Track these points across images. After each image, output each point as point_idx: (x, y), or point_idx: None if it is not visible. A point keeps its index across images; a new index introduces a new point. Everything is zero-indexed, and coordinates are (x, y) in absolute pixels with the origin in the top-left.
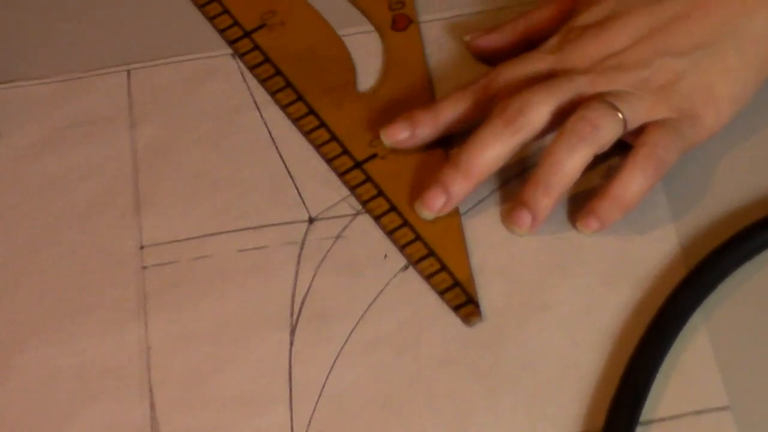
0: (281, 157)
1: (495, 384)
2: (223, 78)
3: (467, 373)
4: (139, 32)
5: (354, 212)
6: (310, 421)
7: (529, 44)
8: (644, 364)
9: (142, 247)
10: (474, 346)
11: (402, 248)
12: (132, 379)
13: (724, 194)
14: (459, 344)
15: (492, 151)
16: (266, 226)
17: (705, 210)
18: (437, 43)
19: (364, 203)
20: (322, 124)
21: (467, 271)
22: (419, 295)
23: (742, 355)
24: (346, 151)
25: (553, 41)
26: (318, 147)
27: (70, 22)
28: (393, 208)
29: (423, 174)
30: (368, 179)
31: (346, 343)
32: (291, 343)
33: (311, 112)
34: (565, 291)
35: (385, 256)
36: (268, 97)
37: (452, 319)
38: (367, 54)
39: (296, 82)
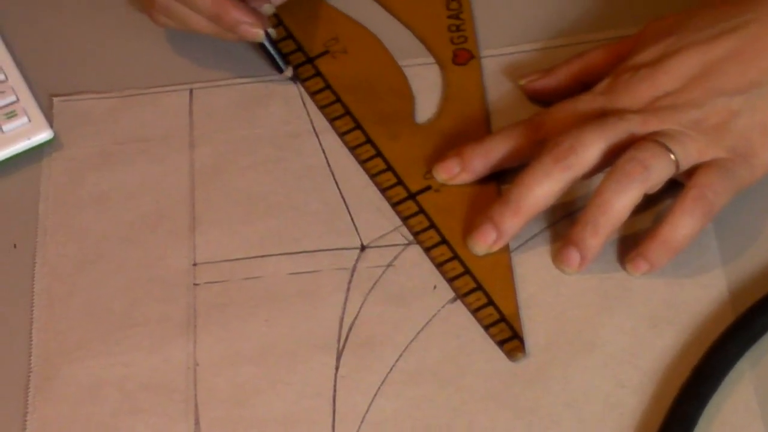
0: (336, 184)
1: (536, 421)
2: (283, 102)
3: (509, 409)
4: (203, 52)
5: (406, 242)
6: None
7: (583, 86)
8: (687, 409)
9: (194, 265)
10: (517, 382)
11: (450, 281)
12: (178, 394)
13: None
14: (502, 379)
15: (542, 188)
16: (318, 251)
17: (755, 255)
18: (496, 79)
19: (415, 234)
20: (378, 154)
21: (514, 307)
22: (465, 328)
23: None
24: (400, 182)
25: (605, 82)
26: (373, 176)
27: (135, 38)
28: (444, 241)
29: (475, 208)
30: (421, 211)
31: (390, 371)
32: (336, 369)
33: (368, 141)
34: (611, 331)
35: (435, 287)
36: (327, 124)
37: (497, 354)
38: (426, 86)
39: (355, 110)
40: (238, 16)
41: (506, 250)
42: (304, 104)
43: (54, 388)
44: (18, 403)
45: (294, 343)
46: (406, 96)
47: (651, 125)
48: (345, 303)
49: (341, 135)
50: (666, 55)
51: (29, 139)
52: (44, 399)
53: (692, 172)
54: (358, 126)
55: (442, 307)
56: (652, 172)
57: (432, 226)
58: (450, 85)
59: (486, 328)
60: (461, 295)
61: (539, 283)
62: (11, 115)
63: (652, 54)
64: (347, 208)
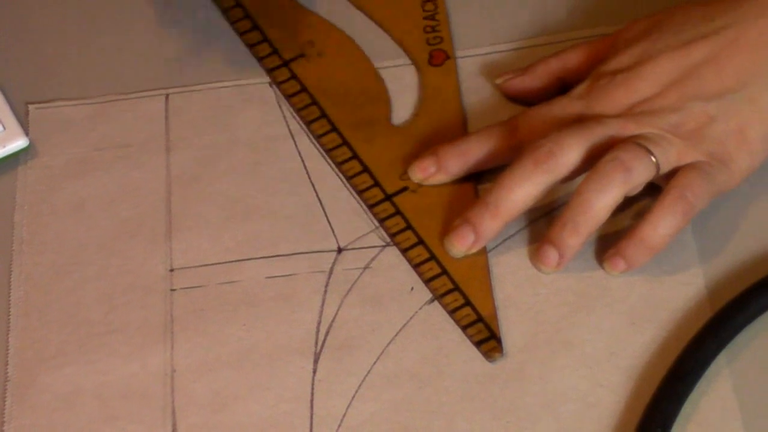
0: (314, 186)
1: (515, 421)
2: (259, 106)
3: (488, 410)
4: (178, 57)
5: (383, 244)
6: None
7: (561, 85)
8: (665, 407)
9: (171, 270)
10: (495, 382)
11: (427, 282)
12: (155, 401)
13: (752, 238)
14: (480, 380)
15: (521, 190)
16: (295, 254)
17: (732, 254)
18: (473, 80)
19: (392, 236)
20: (355, 156)
21: (491, 308)
22: (443, 330)
23: (765, 400)
24: (377, 184)
25: (582, 87)
26: (349, 178)
27: (111, 44)
28: (420, 242)
29: (453, 209)
30: (397, 212)
31: (368, 374)
32: (314, 372)
33: (344, 143)
34: (589, 330)
35: (412, 288)
36: (303, 127)
37: (475, 355)
38: (403, 88)
39: (331, 113)
40: None
41: (483, 251)
42: (280, 108)
43: (31, 397)
44: None
45: (271, 347)
46: (382, 98)
47: (629, 129)
48: (322, 306)
49: (317, 137)
50: (642, 59)
51: (4, 147)
52: (21, 407)
53: (671, 174)
54: (334, 129)
55: (420, 308)
56: (633, 173)
57: (408, 227)
58: (426, 86)
59: (463, 328)
60: (438, 296)
61: (517, 283)
62: None
63: (629, 58)
64: (324, 210)
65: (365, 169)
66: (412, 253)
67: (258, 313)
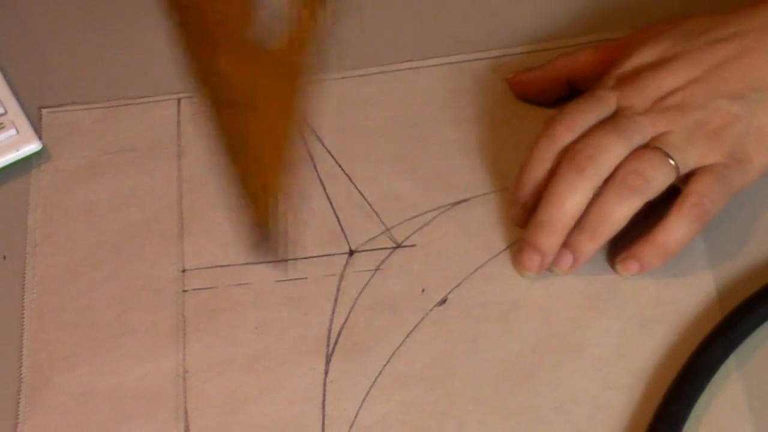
0: (324, 190)
1: (525, 423)
2: None
3: (498, 411)
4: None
5: (393, 245)
6: None
7: (568, 86)
8: (675, 409)
9: (183, 271)
10: (506, 384)
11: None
12: (168, 402)
13: (762, 242)
14: (491, 382)
15: (570, 201)
16: (307, 258)
17: (742, 257)
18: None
19: None
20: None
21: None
22: (454, 331)
23: None
24: None
25: (608, 83)
26: None
27: (123, 49)
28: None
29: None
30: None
31: (379, 375)
32: (326, 374)
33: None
34: (599, 332)
35: (423, 290)
36: (314, 132)
37: (486, 356)
38: None
39: None
40: None
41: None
42: None
43: (45, 397)
44: (10, 412)
45: (283, 348)
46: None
47: (660, 127)
48: (334, 308)
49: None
50: (668, 56)
51: (18, 150)
52: (35, 408)
53: (689, 175)
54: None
55: (431, 309)
56: (652, 183)
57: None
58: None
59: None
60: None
61: (529, 285)
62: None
63: (651, 57)
64: (335, 213)
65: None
66: None
67: (269, 315)
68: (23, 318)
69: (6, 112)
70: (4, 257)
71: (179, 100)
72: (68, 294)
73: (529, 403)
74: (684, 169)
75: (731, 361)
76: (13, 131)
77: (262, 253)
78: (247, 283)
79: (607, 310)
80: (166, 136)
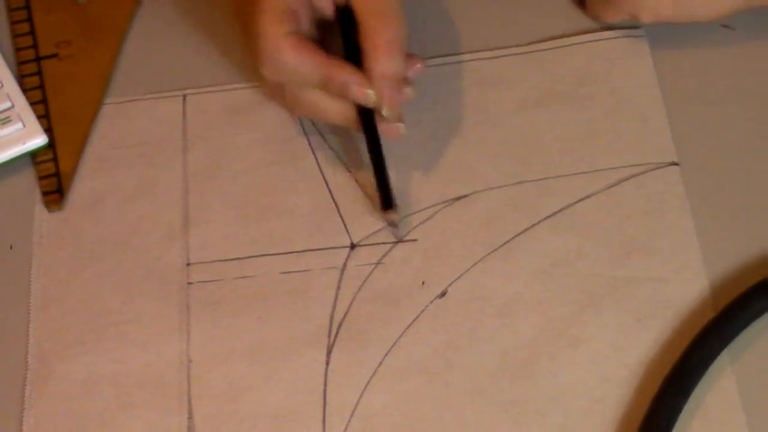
0: (327, 185)
1: (523, 414)
2: (274, 108)
3: (497, 403)
4: (195, 59)
5: (394, 240)
6: None
7: None
8: (670, 402)
9: (188, 264)
10: (505, 376)
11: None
12: (172, 390)
13: (754, 240)
14: (490, 374)
15: None
16: (309, 250)
17: (735, 254)
18: None
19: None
20: (29, 20)
21: (72, 167)
22: (453, 324)
23: (766, 392)
24: (34, 45)
25: None
26: (15, 36)
27: (129, 45)
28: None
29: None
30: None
31: (379, 366)
32: (327, 364)
33: (27, 7)
34: (596, 327)
35: (423, 283)
36: (317, 128)
37: (485, 349)
38: None
39: None
40: (345, 77)
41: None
42: None
43: (50, 385)
44: (15, 399)
45: (285, 339)
46: None
47: None
48: (335, 300)
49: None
50: None
51: (24, 144)
52: (40, 396)
53: None
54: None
55: (431, 302)
56: None
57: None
58: None
59: (40, 178)
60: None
61: (527, 279)
62: (5, 121)
63: None
64: (337, 208)
65: (30, 32)
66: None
67: (272, 306)
68: (29, 307)
69: (13, 106)
70: (11, 247)
71: (184, 96)
72: (73, 284)
73: (527, 395)
74: None
75: (725, 356)
76: (19, 125)
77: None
78: (250, 276)
79: (604, 306)
80: (172, 131)
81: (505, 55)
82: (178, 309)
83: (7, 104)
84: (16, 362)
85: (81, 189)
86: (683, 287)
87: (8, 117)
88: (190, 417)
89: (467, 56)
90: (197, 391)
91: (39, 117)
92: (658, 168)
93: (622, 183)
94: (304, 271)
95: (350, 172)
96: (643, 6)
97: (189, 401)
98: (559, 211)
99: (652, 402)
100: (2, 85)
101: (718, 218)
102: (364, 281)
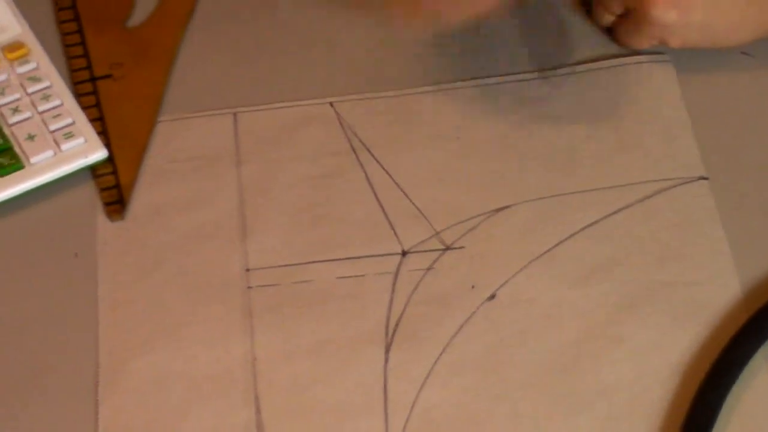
0: (376, 197)
1: (572, 406)
2: (321, 125)
3: (547, 397)
4: (244, 78)
5: (443, 248)
6: (403, 430)
7: None
8: (710, 397)
9: (247, 270)
10: (554, 372)
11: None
12: (238, 385)
13: None
14: (540, 371)
15: None
16: (363, 257)
17: (766, 260)
18: None
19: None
20: (82, 44)
21: (131, 179)
22: (503, 324)
23: None
24: (89, 66)
25: None
26: (69, 58)
27: (180, 66)
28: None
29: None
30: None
31: (436, 363)
32: (386, 361)
33: (79, 31)
34: (635, 327)
35: (473, 287)
36: (363, 144)
37: (535, 347)
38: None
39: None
40: None
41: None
42: (341, 125)
43: (122, 382)
44: (89, 395)
45: (345, 339)
46: (128, 3)
47: None
48: (390, 303)
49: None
50: None
51: (86, 157)
52: (113, 391)
53: None
54: (77, 18)
55: (481, 304)
56: None
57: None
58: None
59: (101, 190)
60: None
61: (569, 284)
62: (68, 136)
63: None
64: (387, 218)
65: (84, 55)
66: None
67: (330, 309)
68: (98, 310)
69: (74, 122)
70: (76, 255)
71: (235, 115)
72: (138, 288)
73: (574, 389)
74: None
75: (759, 355)
76: (81, 140)
77: None
78: (308, 281)
79: (642, 308)
80: (225, 146)
81: (541, 77)
82: (241, 311)
83: (69, 120)
84: (88, 361)
85: (140, 200)
86: (717, 290)
87: (71, 132)
88: (258, 411)
89: (505, 78)
90: (263, 388)
91: (98, 133)
92: (687, 182)
93: (654, 196)
94: (359, 276)
95: (397, 184)
96: (672, 32)
97: (256, 397)
98: (596, 222)
99: (694, 397)
100: (63, 103)
101: (747, 227)
102: (417, 285)
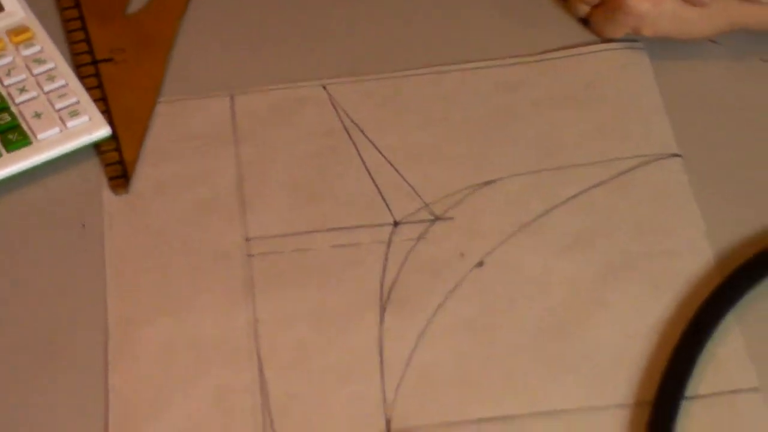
0: (369, 173)
1: (559, 367)
2: (315, 106)
3: (536, 358)
4: (240, 62)
5: (432, 218)
6: (398, 388)
7: None
8: (686, 354)
9: (247, 239)
10: (542, 335)
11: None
12: (242, 350)
13: (752, 218)
14: (528, 334)
15: None
16: (357, 227)
17: (736, 230)
18: None
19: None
20: (83, 28)
21: (134, 155)
22: (491, 289)
23: None
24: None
25: None
26: (72, 43)
27: (178, 51)
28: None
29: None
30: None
31: (428, 325)
32: (381, 323)
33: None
34: (617, 294)
35: (461, 255)
36: (356, 124)
37: (523, 313)
38: None
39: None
40: None
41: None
42: (334, 107)
43: (131, 349)
44: (100, 360)
45: (343, 304)
46: None
47: None
48: (384, 270)
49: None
50: None
51: (90, 134)
52: (122, 358)
53: None
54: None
55: (470, 271)
56: None
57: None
58: None
59: (105, 165)
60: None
61: (554, 254)
62: (74, 114)
63: None
64: (380, 192)
65: (86, 40)
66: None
67: (328, 275)
68: (105, 279)
69: (79, 101)
70: (83, 225)
71: (232, 97)
72: (144, 259)
73: (559, 353)
74: None
75: (731, 316)
76: (86, 118)
77: None
78: (306, 249)
79: (623, 276)
80: (223, 127)
81: (521, 63)
82: (242, 279)
83: (74, 99)
84: (97, 327)
85: (143, 176)
86: (690, 259)
87: (76, 110)
88: (261, 373)
89: (489, 63)
90: (266, 350)
91: (101, 112)
92: (662, 158)
93: (631, 171)
94: (354, 245)
95: (388, 160)
96: (645, 22)
97: (259, 359)
98: (577, 195)
99: (671, 355)
100: (67, 84)
101: (717, 200)
102: (409, 253)
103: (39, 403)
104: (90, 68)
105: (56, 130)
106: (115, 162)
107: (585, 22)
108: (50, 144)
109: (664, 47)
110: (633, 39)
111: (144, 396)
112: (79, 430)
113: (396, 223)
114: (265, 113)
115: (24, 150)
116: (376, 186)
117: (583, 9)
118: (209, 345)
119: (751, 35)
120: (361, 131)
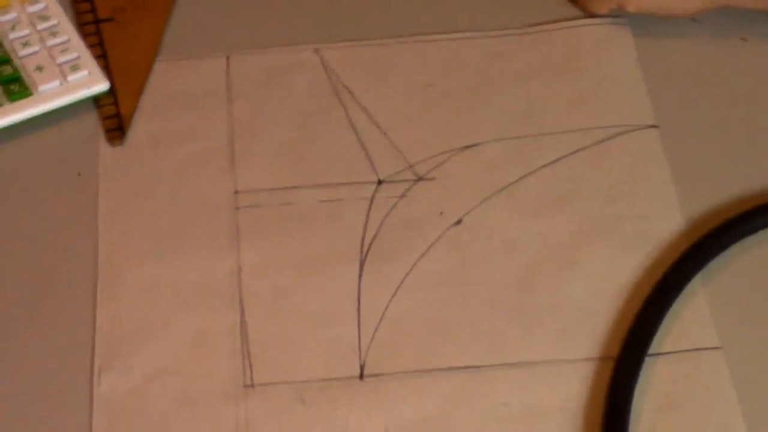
0: (356, 133)
1: (527, 323)
2: (307, 70)
3: (506, 312)
4: (236, 24)
5: (415, 178)
6: (373, 335)
7: None
8: (651, 314)
9: (236, 192)
10: (511, 290)
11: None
12: (225, 294)
13: (721, 188)
14: (500, 288)
15: None
16: (342, 184)
17: (705, 199)
18: None
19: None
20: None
21: (131, 110)
22: (467, 246)
23: (732, 309)
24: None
25: None
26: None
27: (178, 13)
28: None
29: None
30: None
31: (405, 278)
32: (360, 275)
33: None
34: (589, 254)
35: (441, 213)
36: (346, 87)
37: (495, 268)
38: None
39: None
40: None
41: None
42: (325, 71)
43: (117, 289)
44: (88, 300)
45: (324, 254)
46: None
47: None
48: (365, 225)
49: None
50: None
51: (89, 88)
52: (110, 298)
53: None
54: None
55: (448, 228)
56: None
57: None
58: None
59: (103, 119)
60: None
61: (529, 215)
62: (75, 68)
63: None
64: (366, 151)
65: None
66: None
67: (312, 228)
68: (97, 224)
69: (79, 57)
70: (79, 174)
71: (228, 57)
72: (135, 207)
73: (531, 306)
74: None
75: (698, 279)
76: (86, 72)
77: None
78: (291, 203)
79: (595, 237)
80: (217, 85)
81: (504, 35)
82: (229, 229)
83: (75, 54)
84: (87, 268)
85: (139, 130)
86: (662, 223)
87: (76, 65)
88: (242, 316)
89: (476, 34)
90: (248, 296)
91: (101, 68)
92: (639, 129)
93: (608, 140)
94: (338, 200)
95: (375, 122)
96: None
97: (241, 303)
98: (555, 161)
99: (636, 314)
100: (69, 39)
101: (689, 170)
102: (390, 210)
103: (32, 335)
104: (91, 27)
105: (57, 83)
106: (113, 115)
107: None
108: (50, 96)
109: (647, 24)
110: (617, 15)
111: (128, 332)
112: (68, 360)
113: (380, 182)
114: (259, 74)
115: (25, 101)
116: (363, 146)
117: None
118: (193, 289)
119: (734, 16)
120: (351, 94)
